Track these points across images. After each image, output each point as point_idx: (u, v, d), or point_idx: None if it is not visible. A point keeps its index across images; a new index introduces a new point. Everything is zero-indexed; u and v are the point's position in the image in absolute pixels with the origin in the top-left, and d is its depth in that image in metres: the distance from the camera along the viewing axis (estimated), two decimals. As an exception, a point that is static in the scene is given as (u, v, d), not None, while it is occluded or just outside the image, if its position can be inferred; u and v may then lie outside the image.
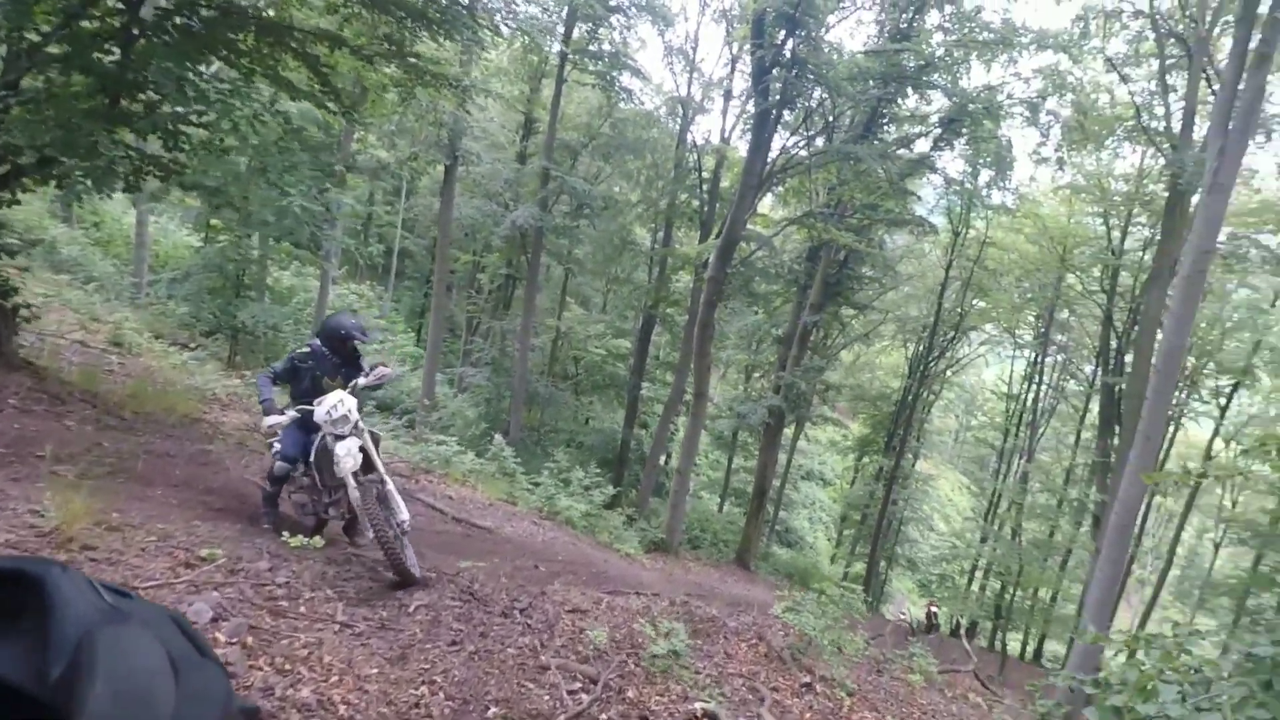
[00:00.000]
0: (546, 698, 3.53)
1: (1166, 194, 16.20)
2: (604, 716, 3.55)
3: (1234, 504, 23.99)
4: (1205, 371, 21.57)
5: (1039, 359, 25.38)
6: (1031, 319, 25.54)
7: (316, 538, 4.54)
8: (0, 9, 5.22)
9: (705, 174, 20.63)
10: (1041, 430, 26.20)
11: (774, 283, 21.31)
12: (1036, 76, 16.07)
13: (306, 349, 5.09)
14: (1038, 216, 22.13)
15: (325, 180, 10.36)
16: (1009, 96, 16.40)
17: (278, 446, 5.10)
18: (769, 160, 14.95)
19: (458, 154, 17.82)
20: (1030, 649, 24.01)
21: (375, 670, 3.12)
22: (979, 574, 23.24)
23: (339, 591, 4.00)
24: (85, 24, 5.81)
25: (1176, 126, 15.64)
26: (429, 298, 25.65)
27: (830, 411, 27.96)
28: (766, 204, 22.19)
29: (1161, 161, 16.97)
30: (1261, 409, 24.50)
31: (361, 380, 5.11)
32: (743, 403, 23.35)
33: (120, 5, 5.83)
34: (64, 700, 0.48)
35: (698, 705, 4.09)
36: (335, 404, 4.81)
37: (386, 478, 4.97)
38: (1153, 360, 11.36)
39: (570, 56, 18.17)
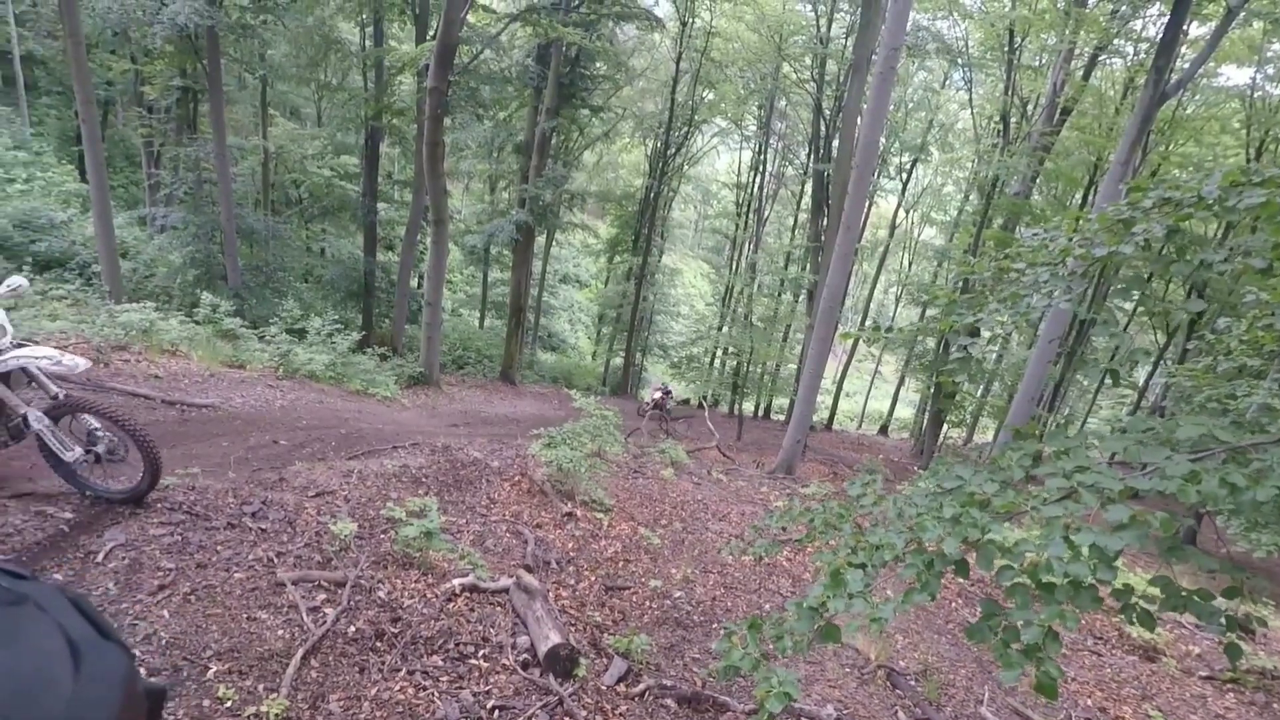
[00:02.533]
0: (282, 629, 3.29)
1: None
2: (352, 629, 3.43)
3: (910, 265, 28.72)
4: (892, 151, 24.49)
5: (762, 148, 27.05)
6: (755, 109, 26.76)
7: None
8: None
9: (411, -46, 17.76)
10: (767, 215, 28.66)
11: (504, 88, 19.80)
12: None
13: None
14: (756, 3, 22.42)
15: None
16: None
17: None
18: (481, -58, 13.13)
19: (64, -74, 13.29)
20: (762, 407, 28.13)
21: (52, 669, 2.65)
22: (719, 354, 26.13)
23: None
24: None
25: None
26: (81, 120, 20.31)
27: (579, 216, 28.04)
28: (487, -8, 19.86)
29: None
30: (931, 180, 28.88)
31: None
32: (491, 219, 22.49)
33: None
34: None
35: (455, 582, 4.13)
36: None
37: (56, 388, 3.97)
38: (853, 156, 12.48)
39: None
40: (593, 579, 5.26)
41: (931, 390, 18.37)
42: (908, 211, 28.99)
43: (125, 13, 16.23)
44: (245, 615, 3.36)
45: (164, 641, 2.99)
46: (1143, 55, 15.31)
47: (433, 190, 14.24)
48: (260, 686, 2.89)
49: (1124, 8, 13.23)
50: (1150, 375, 18.48)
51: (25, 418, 3.84)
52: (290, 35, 20.41)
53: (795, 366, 23.59)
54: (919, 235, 30.33)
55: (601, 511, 6.66)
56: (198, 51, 17.29)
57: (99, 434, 4.01)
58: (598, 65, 20.63)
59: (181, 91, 21.22)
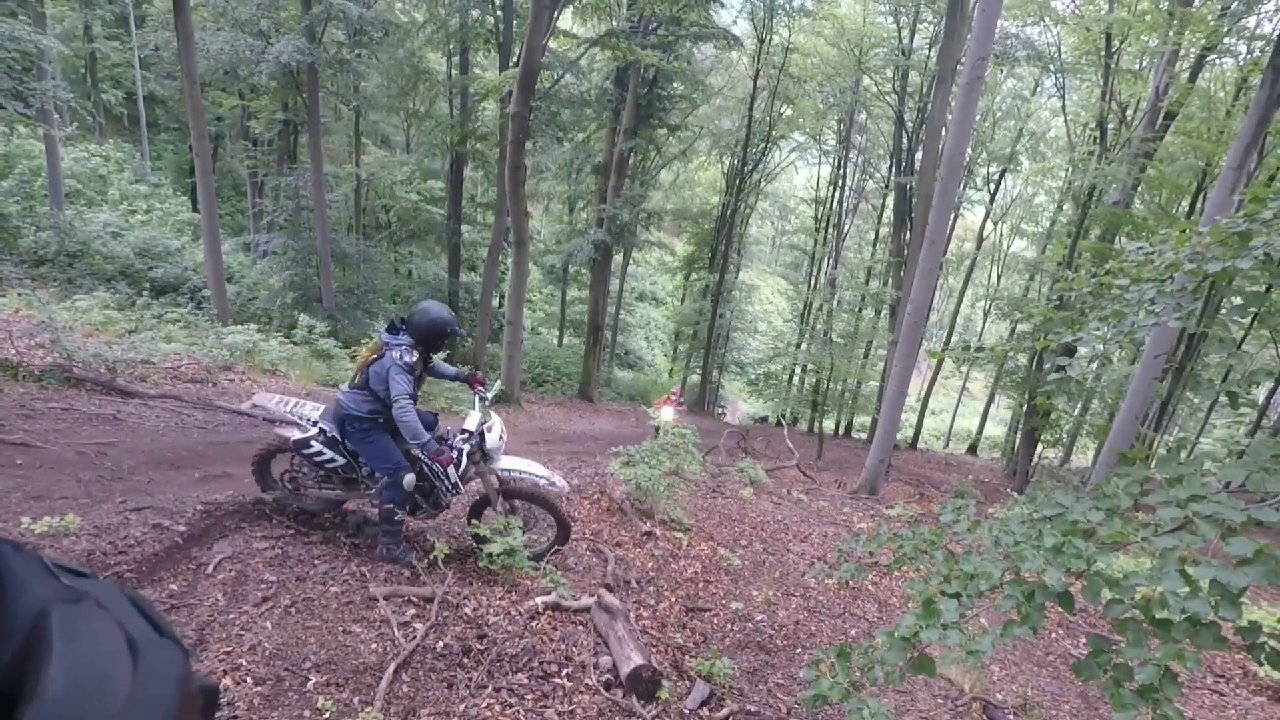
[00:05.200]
0: (375, 643, 3.42)
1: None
2: (440, 644, 3.53)
3: (999, 279, 27.54)
4: (979, 162, 23.66)
5: (841, 162, 26.62)
6: (835, 124, 26.40)
7: (70, 516, 3.95)
8: None
9: (495, -14, 18.45)
10: (847, 230, 28.14)
11: (583, 111, 20.25)
12: None
13: (412, 355, 4.17)
14: (836, 18, 22.21)
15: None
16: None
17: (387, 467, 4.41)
18: (562, -29, 13.53)
19: (184, -24, 14.46)
20: (842, 426, 27.46)
21: (168, 673, 2.82)
22: (798, 371, 25.67)
23: (112, 574, 3.53)
24: None
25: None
26: (195, 155, 22.02)
27: (656, 234, 28.25)
28: (568, 19, 20.43)
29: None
30: (1021, 190, 27.72)
31: (490, 394, 4.86)
32: (569, 239, 22.96)
33: None
34: (16, 681, 0.48)
35: (539, 600, 4.20)
36: (501, 429, 4.76)
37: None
38: (938, 169, 12.16)
39: None
40: (673, 599, 5.24)
41: (1024, 408, 17.48)
42: (996, 223, 27.91)
43: (235, 53, 17.52)
44: (341, 629, 3.51)
45: (268, 652, 3.16)
46: (1257, 53, 14.32)
47: (514, 212, 14.66)
48: (356, 699, 3.01)
49: (1235, 4, 12.41)
50: (1272, 394, 17.04)
51: (493, 503, 4.77)
52: (383, 67, 21.55)
53: (877, 384, 22.98)
54: (1008, 248, 29.08)
55: (681, 531, 6.64)
56: (299, 86, 18.41)
57: (518, 508, 4.97)
58: (675, 85, 20.85)
59: (283, 124, 22.65)
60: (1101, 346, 2.57)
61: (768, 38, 22.59)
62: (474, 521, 4.81)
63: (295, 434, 4.43)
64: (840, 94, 23.87)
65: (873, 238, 29.52)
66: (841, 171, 26.41)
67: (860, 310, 24.43)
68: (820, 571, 4.02)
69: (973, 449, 28.77)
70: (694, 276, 30.96)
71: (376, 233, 26.64)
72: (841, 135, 26.17)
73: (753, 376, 31.64)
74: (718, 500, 8.62)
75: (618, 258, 25.73)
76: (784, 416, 20.94)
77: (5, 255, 13.59)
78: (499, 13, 18.65)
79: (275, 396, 4.70)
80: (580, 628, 4.22)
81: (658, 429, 11.50)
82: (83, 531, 3.87)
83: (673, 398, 12.33)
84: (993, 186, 25.86)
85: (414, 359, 4.16)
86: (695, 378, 28.73)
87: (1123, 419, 9.99)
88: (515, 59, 17.20)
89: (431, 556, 4.38)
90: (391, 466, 4.30)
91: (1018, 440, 19.94)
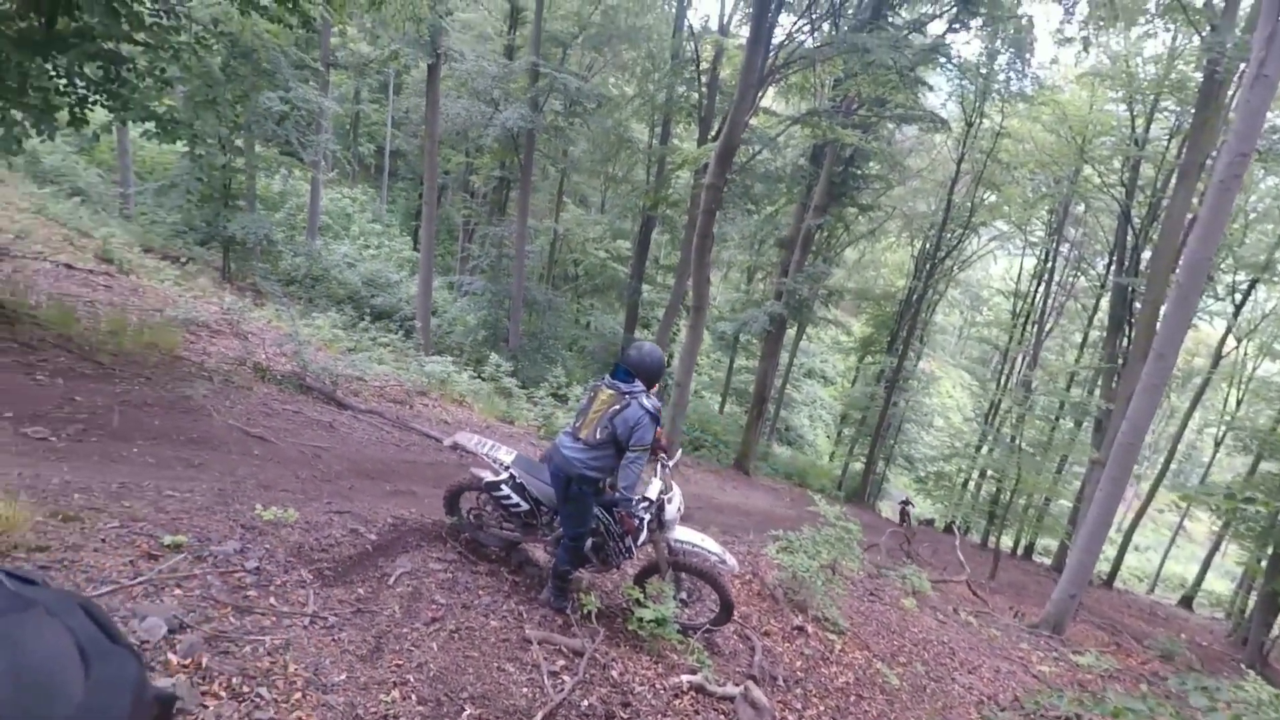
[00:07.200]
0: (526, 687, 3.43)
1: (1201, 79, 15.08)
2: (585, 703, 3.47)
3: (1239, 404, 23.81)
4: (1222, 267, 20.83)
5: (1050, 255, 24.64)
6: (1045, 214, 24.60)
7: (291, 509, 4.40)
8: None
9: (704, 64, 19.38)
10: (1049, 329, 25.84)
11: (775, 186, 20.45)
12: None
13: (657, 400, 4.13)
14: (1057, 104, 20.82)
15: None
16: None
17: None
18: (771, 50, 13.86)
19: (439, 52, 16.61)
20: (1023, 545, 24.68)
21: (344, 676, 2.96)
22: (975, 475, 23.46)
23: (315, 568, 3.85)
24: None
25: (1219, 3, 14.40)
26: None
27: (833, 312, 27.60)
28: (769, 97, 20.95)
29: (1196, 41, 15.68)
30: (1277, 305, 23.97)
31: (672, 462, 4.73)
32: (745, 308, 23.03)
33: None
34: None
35: (684, 679, 4.04)
36: (680, 501, 4.70)
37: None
38: (1176, 273, 10.90)
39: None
40: (821, 708, 4.83)
41: (1264, 564, 14.58)
42: (1239, 340, 24.12)
43: (469, 117, 19.74)
44: (496, 664, 3.56)
45: (431, 673, 3.26)
46: None
47: (696, 279, 14.93)
48: (504, 741, 3.01)
49: None
50: None
51: (661, 571, 4.77)
52: (590, 134, 23.27)
53: (1069, 504, 20.49)
54: (1254, 369, 24.87)
55: (834, 632, 6.17)
56: (517, 148, 20.28)
57: (684, 580, 4.95)
58: (871, 165, 20.56)
59: (498, 180, 25.02)
60: None
61: (977, 121, 21.73)
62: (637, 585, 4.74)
63: (488, 476, 4.64)
64: (1055, 184, 22.28)
65: (1079, 340, 26.75)
66: (1049, 265, 24.46)
67: (1057, 419, 22.03)
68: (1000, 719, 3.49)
69: (1186, 602, 24.35)
70: (869, 359, 29.79)
71: (564, 284, 28.35)
72: (1052, 226, 24.33)
73: (922, 474, 29.47)
74: (875, 605, 7.96)
75: (790, 331, 25.38)
76: (956, 524, 19.12)
77: (269, 274, 15.91)
78: (703, 89, 19.53)
79: (475, 437, 4.92)
80: (723, 717, 4.00)
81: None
82: (297, 525, 4.29)
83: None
84: (1239, 297, 22.42)
85: (660, 404, 4.06)
86: (858, 465, 27.30)
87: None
88: (715, 132, 17.84)
89: (585, 609, 4.38)
90: (581, 531, 4.29)
91: (1251, 602, 16.74)
